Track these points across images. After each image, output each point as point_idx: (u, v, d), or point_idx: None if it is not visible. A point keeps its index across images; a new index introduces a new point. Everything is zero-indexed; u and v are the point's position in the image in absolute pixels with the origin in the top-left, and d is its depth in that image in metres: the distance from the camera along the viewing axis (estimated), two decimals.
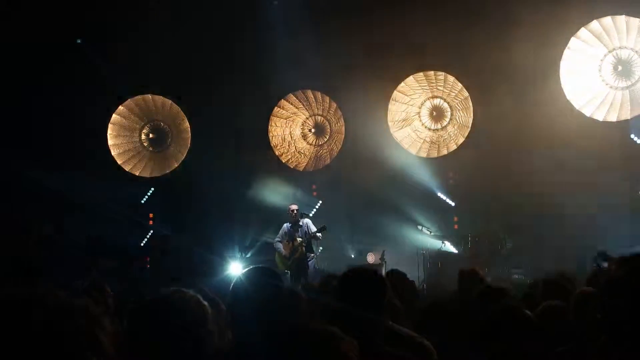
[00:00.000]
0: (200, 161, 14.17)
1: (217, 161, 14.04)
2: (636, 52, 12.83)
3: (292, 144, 15.12)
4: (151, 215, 14.96)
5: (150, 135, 14.93)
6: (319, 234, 11.72)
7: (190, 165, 14.43)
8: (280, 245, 11.92)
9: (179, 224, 14.22)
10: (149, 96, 14.88)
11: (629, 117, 12.77)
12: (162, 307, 2.26)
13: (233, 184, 14.04)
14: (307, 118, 15.06)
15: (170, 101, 14.81)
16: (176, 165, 14.81)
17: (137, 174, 14.84)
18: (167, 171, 14.87)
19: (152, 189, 15.07)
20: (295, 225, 11.83)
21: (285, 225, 12.02)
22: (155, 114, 14.92)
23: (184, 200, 14.39)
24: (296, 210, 11.92)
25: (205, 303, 2.33)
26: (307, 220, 11.97)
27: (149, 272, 13.98)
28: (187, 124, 14.79)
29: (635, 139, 12.90)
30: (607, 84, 12.95)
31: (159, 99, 14.87)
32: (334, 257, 13.59)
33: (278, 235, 12.03)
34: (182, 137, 14.83)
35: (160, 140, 14.94)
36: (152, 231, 14.88)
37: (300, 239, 11.70)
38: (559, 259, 11.40)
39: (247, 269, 3.08)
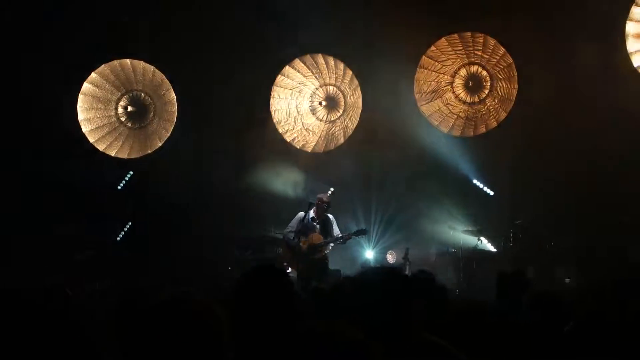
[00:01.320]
0: (189, 140, 14.25)
1: (209, 140, 14.10)
2: None
3: (299, 120, 15.10)
4: (129, 204, 15.01)
5: (129, 109, 14.89)
6: (355, 237, 11.42)
7: (177, 145, 14.50)
8: (292, 236, 11.35)
9: (162, 215, 14.33)
10: (127, 61, 14.80)
11: None
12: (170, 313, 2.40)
13: (228, 167, 14.12)
14: (316, 88, 15.01)
15: (152, 67, 14.71)
16: (160, 145, 14.76)
17: (112, 155, 14.82)
18: (149, 151, 14.84)
19: (131, 172, 15.18)
20: (318, 219, 11.40)
21: (301, 214, 11.46)
22: (135, 82, 14.87)
23: (169, 187, 14.46)
24: (328, 201, 11.45)
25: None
26: (332, 217, 11.55)
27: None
28: (173, 95, 14.70)
29: None
30: None
31: (139, 64, 14.77)
32: (346, 257, 13.65)
33: (291, 225, 11.50)
34: (167, 111, 14.77)
35: (140, 115, 14.90)
36: (130, 223, 14.98)
37: (320, 236, 11.23)
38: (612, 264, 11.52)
39: (250, 270, 3.17)
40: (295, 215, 11.64)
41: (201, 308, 2.37)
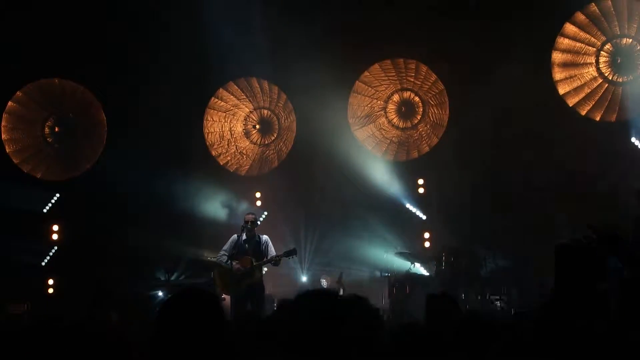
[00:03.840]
0: (118, 162, 13.90)
1: (140, 162, 13.81)
2: (638, 41, 13.31)
3: (233, 143, 14.96)
4: (55, 227, 14.56)
5: (56, 129, 14.54)
6: (286, 258, 11.02)
7: (105, 167, 14.16)
8: (225, 259, 11.02)
9: (88, 238, 13.92)
10: (55, 80, 14.45)
11: (628, 118, 13.24)
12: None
13: (159, 190, 13.83)
14: (251, 112, 14.93)
15: (82, 87, 14.39)
16: (88, 167, 14.41)
17: (38, 177, 14.44)
18: (77, 174, 14.47)
19: (57, 194, 14.72)
20: (251, 240, 11.08)
21: (234, 237, 11.16)
22: (63, 102, 14.49)
23: (96, 210, 14.07)
24: (252, 220, 11.15)
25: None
26: (266, 237, 11.25)
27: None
28: (102, 116, 14.38)
29: (637, 142, 13.29)
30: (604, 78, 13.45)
31: (69, 84, 14.44)
32: (281, 281, 13.49)
33: (224, 249, 11.16)
34: (96, 132, 14.47)
35: (68, 135, 14.56)
36: (56, 247, 14.51)
37: (251, 259, 10.94)
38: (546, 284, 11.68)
39: (175, 294, 3.01)
40: (229, 238, 11.44)
41: (116, 332, 2.22)
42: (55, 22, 13.49)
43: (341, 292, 12.16)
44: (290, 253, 11.13)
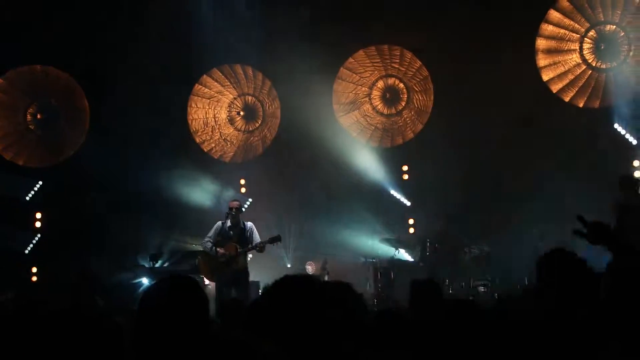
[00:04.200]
0: (101, 149, 13.81)
1: (123, 149, 13.73)
2: (622, 28, 13.38)
3: (217, 130, 14.90)
4: (38, 215, 14.49)
5: (38, 116, 14.37)
6: (270, 244, 11.05)
7: (88, 154, 14.05)
8: (210, 246, 11.02)
9: (72, 226, 13.86)
10: (38, 67, 14.27)
11: (611, 104, 13.31)
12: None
13: (142, 177, 13.75)
14: (235, 98, 14.84)
15: (66, 74, 14.26)
16: (71, 153, 14.30)
17: (20, 164, 14.32)
18: (60, 160, 14.35)
19: (40, 182, 14.63)
20: (236, 227, 11.07)
21: (219, 224, 11.17)
22: (46, 89, 14.34)
23: (80, 197, 14.01)
24: (237, 207, 11.21)
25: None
26: (251, 224, 11.26)
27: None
28: (85, 102, 14.26)
29: (619, 128, 13.38)
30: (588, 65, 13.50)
31: (51, 70, 14.26)
32: (266, 267, 13.50)
33: (208, 235, 11.15)
34: (79, 118, 14.34)
35: (50, 122, 14.42)
36: (39, 235, 14.44)
37: (236, 245, 10.96)
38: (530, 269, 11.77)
39: (158, 281, 3.00)
40: (214, 225, 11.43)
41: (100, 317, 2.21)
42: (37, 8, 13.34)
43: (326, 278, 12.21)
44: (274, 240, 11.15)
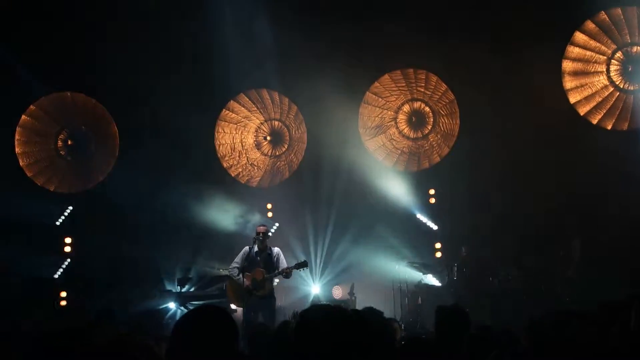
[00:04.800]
0: (131, 174, 13.98)
1: (151, 174, 13.89)
2: None
3: (244, 155, 14.98)
4: (68, 240, 14.64)
5: (69, 142, 14.58)
6: (297, 270, 11.11)
7: (117, 179, 14.20)
8: (237, 272, 11.07)
9: (101, 251, 13.97)
10: (68, 94, 14.52)
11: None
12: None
13: (170, 202, 13.89)
14: (261, 123, 14.94)
15: (94, 100, 14.43)
16: (101, 179, 14.44)
17: (51, 190, 14.47)
18: (90, 186, 14.51)
19: (70, 207, 14.81)
20: (263, 252, 11.10)
21: (246, 249, 11.20)
22: (75, 115, 14.56)
23: (109, 223, 14.14)
24: (264, 232, 11.21)
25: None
26: (278, 249, 11.30)
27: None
28: (114, 129, 14.43)
29: None
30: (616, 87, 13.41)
31: (81, 97, 14.49)
32: (293, 292, 13.52)
33: (236, 261, 11.18)
34: (109, 145, 14.51)
35: (80, 148, 14.60)
36: (69, 260, 14.57)
37: (263, 271, 10.98)
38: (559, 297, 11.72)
39: (190, 311, 3.05)
40: (241, 250, 11.46)
41: (142, 350, 2.26)
42: (61, 34, 13.59)
43: (354, 303, 12.21)
44: (301, 265, 11.18)
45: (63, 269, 14.50)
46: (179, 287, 13.50)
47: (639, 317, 3.47)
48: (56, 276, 14.43)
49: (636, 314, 3.58)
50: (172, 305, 13.09)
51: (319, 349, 2.97)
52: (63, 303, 14.03)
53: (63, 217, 14.71)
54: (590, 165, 12.80)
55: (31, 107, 14.41)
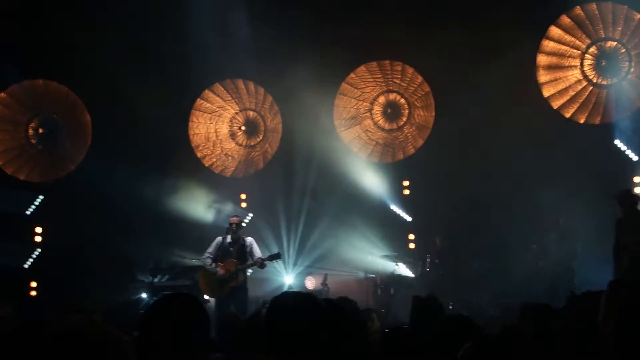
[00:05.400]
0: (103, 163, 13.85)
1: (123, 164, 13.77)
2: (623, 44, 13.45)
3: (218, 144, 14.92)
4: (38, 229, 14.49)
5: (40, 130, 14.45)
6: (269, 262, 11.07)
7: (89, 168, 14.05)
8: (210, 262, 10.97)
9: (73, 241, 13.84)
10: (40, 81, 14.36)
11: (612, 120, 13.35)
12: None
13: (142, 191, 13.78)
14: (236, 113, 14.89)
15: (66, 88, 14.29)
16: (72, 168, 14.32)
17: (21, 178, 14.33)
18: (61, 175, 14.38)
19: (41, 197, 14.65)
20: (236, 243, 10.99)
21: (219, 239, 11.09)
22: (47, 103, 14.39)
23: (80, 212, 14.00)
24: (237, 222, 11.09)
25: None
26: (251, 240, 11.17)
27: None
28: (87, 117, 14.30)
29: (620, 145, 13.40)
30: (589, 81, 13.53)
31: (53, 84, 14.33)
32: (265, 283, 13.50)
33: (209, 251, 11.05)
34: (81, 133, 14.39)
35: (52, 137, 14.46)
36: (39, 250, 14.44)
37: (236, 261, 10.88)
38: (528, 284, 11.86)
39: (159, 298, 3.02)
40: (214, 240, 11.41)
41: (105, 336, 2.22)
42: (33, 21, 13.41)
43: (326, 294, 12.21)
44: (274, 257, 11.17)
45: (33, 258, 14.34)
46: (151, 277, 13.40)
47: (610, 305, 3.50)
48: (26, 266, 14.27)
49: (605, 302, 3.61)
50: (144, 295, 12.99)
51: (290, 334, 2.96)
52: (33, 293, 13.89)
53: (33, 207, 14.53)
54: (567, 155, 12.85)
55: (1, 94, 14.20)
